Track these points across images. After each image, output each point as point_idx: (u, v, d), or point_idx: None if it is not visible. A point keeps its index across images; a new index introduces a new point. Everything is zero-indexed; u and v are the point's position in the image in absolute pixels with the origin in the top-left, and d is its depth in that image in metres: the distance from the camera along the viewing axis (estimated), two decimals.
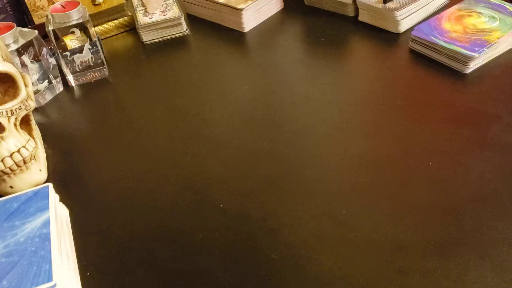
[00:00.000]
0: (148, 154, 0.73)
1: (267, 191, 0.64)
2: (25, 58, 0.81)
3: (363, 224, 0.58)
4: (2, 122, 0.64)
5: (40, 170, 0.69)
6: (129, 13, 1.07)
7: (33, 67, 0.83)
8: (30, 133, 0.72)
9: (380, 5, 0.91)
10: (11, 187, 0.66)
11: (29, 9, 0.99)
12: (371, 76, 0.83)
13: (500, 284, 0.50)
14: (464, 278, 0.51)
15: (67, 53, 0.88)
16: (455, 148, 0.67)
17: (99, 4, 1.05)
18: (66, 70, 0.90)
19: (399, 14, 0.89)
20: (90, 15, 0.90)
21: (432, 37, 0.83)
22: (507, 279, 0.50)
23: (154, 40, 1.02)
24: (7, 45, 0.79)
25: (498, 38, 0.80)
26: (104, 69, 0.92)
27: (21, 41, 0.81)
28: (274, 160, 0.69)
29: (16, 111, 0.67)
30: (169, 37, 1.02)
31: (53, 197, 0.59)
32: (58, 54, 0.87)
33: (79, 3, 0.86)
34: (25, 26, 0.98)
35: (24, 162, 0.66)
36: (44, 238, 0.53)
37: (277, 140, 0.72)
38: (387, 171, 0.65)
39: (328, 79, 0.83)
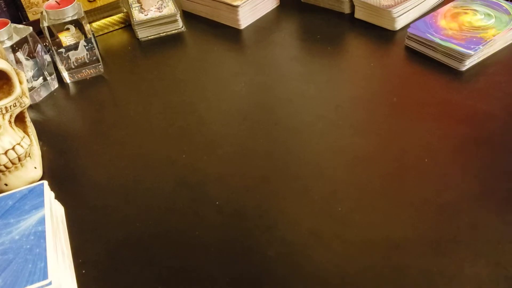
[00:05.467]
0: (144, 151, 0.73)
1: (263, 188, 0.64)
2: (20, 54, 0.81)
3: (359, 221, 0.58)
4: None
5: (35, 167, 0.69)
6: (125, 10, 1.06)
7: (28, 64, 0.83)
8: (25, 130, 0.71)
9: (376, 2, 0.91)
10: (6, 184, 0.66)
11: (24, 6, 0.98)
12: (367, 73, 0.83)
13: (495, 281, 0.50)
14: (460, 275, 0.51)
15: (62, 49, 0.87)
16: (451, 145, 0.67)
17: (94, 0, 1.04)
18: (61, 67, 0.89)
19: (395, 11, 0.89)
20: (85, 12, 0.89)
21: (428, 35, 0.83)
22: (503, 277, 0.51)
23: (149, 37, 1.01)
24: (2, 42, 0.79)
25: (494, 36, 0.80)
26: (100, 66, 0.91)
27: (16, 38, 0.80)
28: (270, 157, 0.69)
29: (10, 108, 0.66)
30: (164, 34, 1.02)
31: (48, 194, 0.59)
32: (53, 51, 0.87)
33: (74, 0, 0.86)
34: (19, 22, 0.97)
35: (19, 160, 0.66)
36: (39, 235, 0.53)
37: (273, 137, 0.72)
38: (383, 169, 0.65)
39: (324, 77, 0.83)
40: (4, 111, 0.65)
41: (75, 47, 0.88)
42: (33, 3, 0.99)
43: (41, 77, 0.86)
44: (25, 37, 0.81)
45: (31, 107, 0.84)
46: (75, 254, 0.58)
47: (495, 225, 0.56)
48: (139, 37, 1.01)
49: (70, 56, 0.88)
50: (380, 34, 0.92)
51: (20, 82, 0.69)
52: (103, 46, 1.00)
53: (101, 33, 1.04)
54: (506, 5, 0.87)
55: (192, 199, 0.64)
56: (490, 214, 0.57)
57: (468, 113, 0.72)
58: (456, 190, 0.60)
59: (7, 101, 0.66)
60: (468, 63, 0.79)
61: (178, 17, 1.01)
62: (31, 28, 0.83)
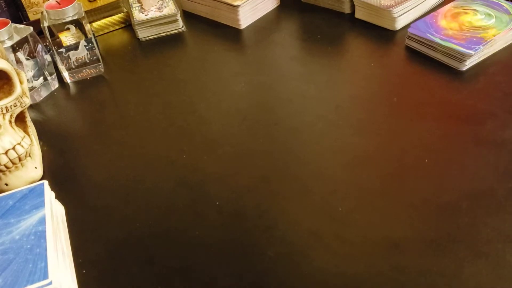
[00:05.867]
0: (144, 151, 0.73)
1: (263, 188, 0.64)
2: (20, 54, 0.81)
3: (359, 221, 0.58)
4: None
5: (36, 167, 0.69)
6: (125, 10, 1.06)
7: (28, 63, 0.83)
8: (25, 130, 0.71)
9: (377, 2, 0.91)
10: (6, 184, 0.66)
11: (24, 5, 0.98)
12: (367, 73, 0.83)
13: (495, 281, 0.50)
14: (460, 275, 0.51)
15: (63, 49, 0.87)
16: (451, 145, 0.67)
17: (95, 0, 1.04)
18: (62, 67, 0.89)
19: (395, 11, 0.89)
20: (86, 12, 0.89)
21: (428, 35, 0.83)
22: (502, 276, 0.51)
23: (150, 37, 1.01)
24: (2, 42, 0.79)
25: (494, 36, 0.80)
26: (100, 66, 0.91)
27: (16, 38, 0.80)
28: (270, 157, 0.69)
29: (11, 108, 0.66)
30: (165, 34, 1.02)
31: (49, 194, 0.59)
32: (53, 51, 0.87)
33: (75, 0, 0.86)
34: (20, 22, 0.97)
35: (19, 160, 0.66)
36: (39, 235, 0.53)
37: (273, 137, 0.72)
38: (383, 168, 0.65)
39: (324, 77, 0.83)
40: (4, 111, 0.65)
41: (75, 47, 0.88)
42: (34, 3, 0.99)
43: (42, 77, 0.86)
44: (26, 37, 0.81)
45: (31, 107, 0.84)
46: (75, 254, 0.58)
47: (495, 225, 0.56)
48: (140, 37, 1.01)
49: (70, 56, 0.88)
50: (380, 34, 0.92)
51: (21, 82, 0.69)
52: (104, 46, 1.00)
53: (101, 33, 1.05)
54: (506, 5, 0.87)
55: (192, 199, 0.64)
56: (490, 214, 0.57)
57: (468, 113, 0.72)
58: (456, 190, 0.60)
59: (7, 101, 0.66)
60: (468, 63, 0.79)
61: (179, 17, 1.01)
62: (31, 28, 0.83)
